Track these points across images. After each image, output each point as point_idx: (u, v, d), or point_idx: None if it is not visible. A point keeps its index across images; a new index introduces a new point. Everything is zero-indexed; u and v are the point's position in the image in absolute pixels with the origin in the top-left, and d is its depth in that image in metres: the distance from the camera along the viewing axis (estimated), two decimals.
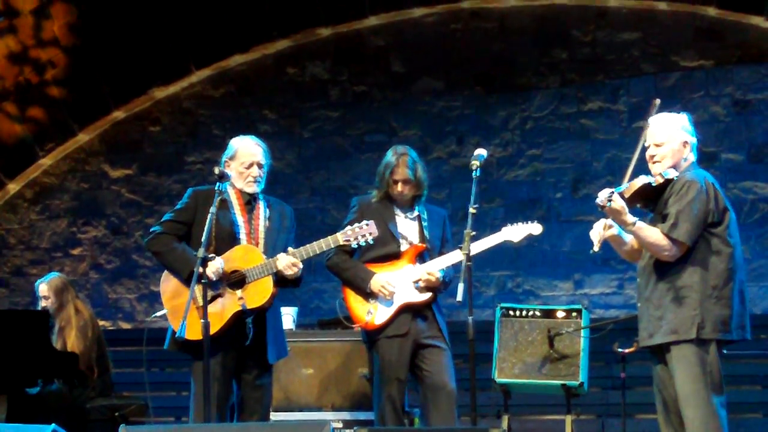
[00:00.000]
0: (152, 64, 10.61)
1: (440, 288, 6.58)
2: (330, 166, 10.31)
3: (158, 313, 6.48)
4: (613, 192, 5.48)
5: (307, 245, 6.09)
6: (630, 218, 5.54)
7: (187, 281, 5.95)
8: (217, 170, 6.03)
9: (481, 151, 6.18)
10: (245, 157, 6.22)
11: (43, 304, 8.19)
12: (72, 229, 10.90)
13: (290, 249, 6.05)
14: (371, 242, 6.16)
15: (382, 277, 6.49)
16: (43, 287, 8.24)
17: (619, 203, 5.48)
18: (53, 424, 6.39)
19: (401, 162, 6.57)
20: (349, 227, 6.13)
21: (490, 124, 9.99)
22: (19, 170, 10.96)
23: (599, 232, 5.67)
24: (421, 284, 6.50)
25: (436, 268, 6.49)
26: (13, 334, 7.57)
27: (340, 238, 6.11)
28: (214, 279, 5.91)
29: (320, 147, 10.37)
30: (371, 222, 6.12)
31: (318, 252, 6.12)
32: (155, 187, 10.70)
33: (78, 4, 10.67)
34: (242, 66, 10.63)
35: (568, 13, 9.87)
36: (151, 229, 6.26)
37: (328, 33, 10.39)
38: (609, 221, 5.65)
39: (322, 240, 6.12)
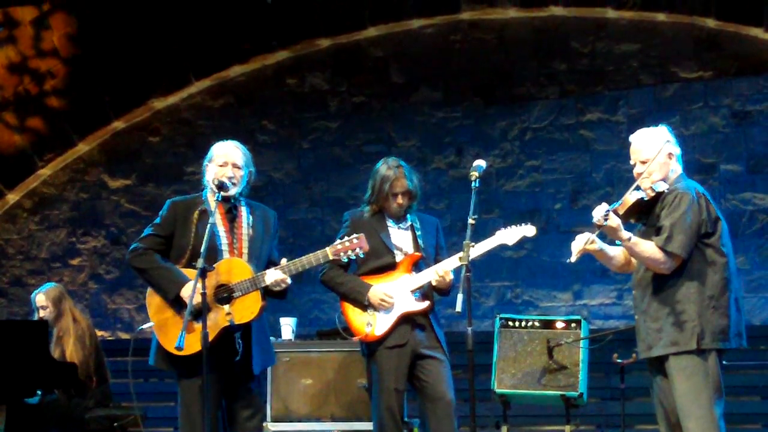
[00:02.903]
0: (152, 74, 10.63)
1: (448, 290, 6.57)
2: (329, 177, 10.32)
3: (145, 326, 6.39)
4: (608, 210, 5.47)
5: (296, 260, 5.96)
6: (625, 234, 5.55)
7: (172, 302, 5.88)
8: (216, 181, 5.98)
9: (480, 162, 6.17)
10: (219, 158, 6.07)
11: (40, 314, 8.17)
12: (71, 239, 10.91)
13: (284, 261, 5.96)
14: (362, 256, 6.10)
15: (379, 288, 6.49)
16: (40, 297, 8.23)
17: (615, 221, 5.49)
18: None
19: (400, 174, 6.57)
20: (338, 241, 6.04)
21: (489, 135, 10.00)
22: (19, 180, 10.97)
23: (579, 245, 5.68)
24: (434, 283, 6.50)
25: (448, 267, 6.47)
26: (12, 345, 7.56)
27: (330, 252, 6.00)
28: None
29: (319, 157, 10.38)
30: (361, 235, 6.03)
31: (307, 267, 6.00)
32: (154, 198, 10.69)
33: (78, 15, 10.70)
34: (242, 77, 10.64)
35: (567, 25, 9.89)
36: (133, 246, 6.12)
37: (327, 44, 10.41)
38: (592, 236, 5.65)
39: (311, 255, 6.00)
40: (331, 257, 6.03)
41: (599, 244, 5.74)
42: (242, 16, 10.35)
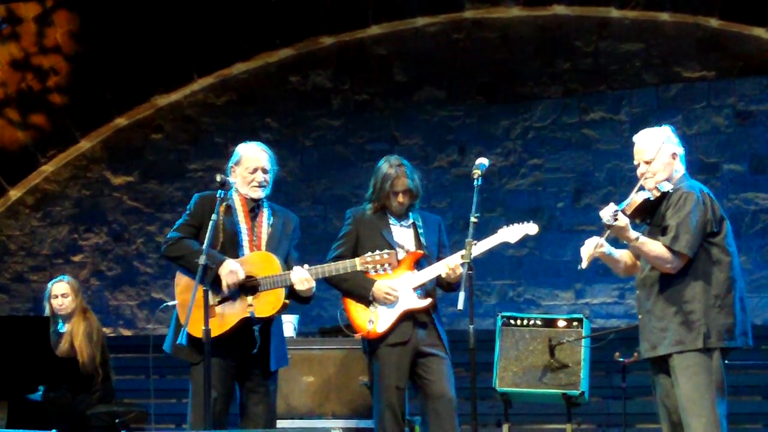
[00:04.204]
0: (154, 71, 10.63)
1: (457, 284, 6.56)
2: (332, 175, 10.32)
3: (169, 303, 6.49)
4: (617, 210, 5.46)
5: (324, 265, 6.10)
6: (633, 234, 5.56)
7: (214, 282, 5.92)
8: (219, 178, 6.00)
9: (483, 161, 6.18)
10: (249, 162, 6.20)
11: (58, 302, 8.15)
12: (73, 235, 10.91)
13: (306, 266, 6.03)
14: (390, 272, 6.17)
15: (383, 284, 6.49)
16: (62, 286, 8.20)
17: (623, 220, 5.49)
18: (54, 431, 6.39)
19: (401, 173, 6.58)
20: (369, 254, 6.10)
21: (491, 133, 10.00)
22: (21, 177, 10.97)
23: (589, 250, 5.68)
24: (444, 276, 6.47)
25: (457, 263, 6.46)
26: (14, 341, 7.57)
27: (359, 264, 6.09)
28: (230, 288, 5.90)
29: (322, 155, 10.39)
30: (393, 252, 6.10)
31: (334, 273, 6.14)
32: (157, 195, 10.71)
33: (81, 12, 10.70)
34: (244, 74, 10.64)
35: (570, 24, 9.89)
36: (168, 236, 6.21)
37: (330, 42, 10.41)
38: (601, 240, 5.65)
39: (339, 262, 6.14)
40: (359, 268, 6.12)
41: (608, 248, 5.74)
42: (245, 14, 10.35)
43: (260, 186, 6.19)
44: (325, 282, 6.70)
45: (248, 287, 5.99)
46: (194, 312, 5.67)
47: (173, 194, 10.54)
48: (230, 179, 6.11)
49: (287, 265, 6.12)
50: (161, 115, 10.83)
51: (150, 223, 10.61)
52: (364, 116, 10.34)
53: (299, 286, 5.98)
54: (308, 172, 10.38)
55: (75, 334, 8.05)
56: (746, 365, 8.50)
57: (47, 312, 8.20)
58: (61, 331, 8.16)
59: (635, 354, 7.06)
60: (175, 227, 6.24)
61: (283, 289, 6.00)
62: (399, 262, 6.58)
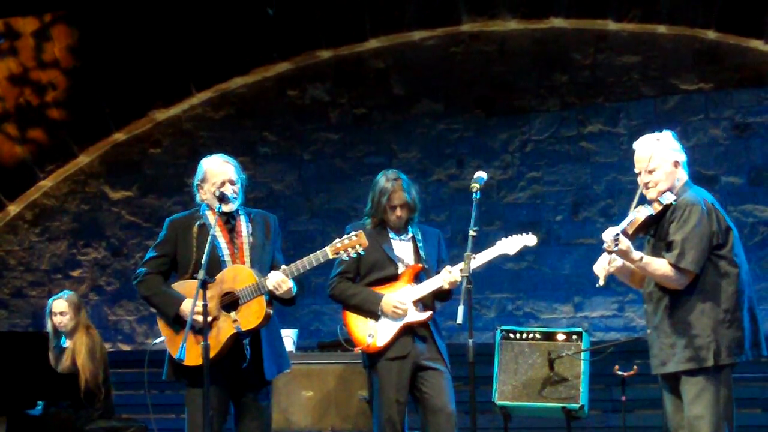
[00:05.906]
0: (153, 86, 10.64)
1: (450, 295, 6.56)
2: (330, 189, 10.32)
3: (158, 340, 6.46)
4: (618, 234, 5.35)
5: (297, 262, 5.98)
6: (636, 255, 5.45)
7: (174, 322, 5.95)
8: (217, 193, 5.99)
9: (481, 174, 6.19)
10: (216, 177, 6.11)
11: (57, 320, 8.15)
12: (72, 250, 10.91)
13: (283, 267, 6.00)
14: (362, 253, 6.08)
15: (392, 297, 6.50)
16: (60, 303, 8.20)
17: (625, 243, 5.38)
18: None
19: (397, 187, 6.59)
20: (338, 239, 6.04)
21: (490, 146, 10.00)
22: (20, 192, 10.97)
23: (605, 266, 5.60)
24: (447, 286, 6.47)
25: (456, 276, 6.46)
26: (13, 356, 7.56)
27: (329, 251, 6.00)
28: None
29: (320, 169, 10.38)
30: (360, 232, 6.02)
31: (308, 268, 6.00)
32: (155, 209, 10.70)
33: (79, 26, 10.71)
34: (243, 88, 10.65)
35: (567, 37, 9.89)
36: (138, 270, 6.21)
37: (328, 55, 10.42)
38: (612, 255, 5.57)
39: (311, 255, 6.01)
40: (331, 256, 6.04)
41: (620, 261, 5.63)
42: (243, 28, 10.36)
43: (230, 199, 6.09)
44: (332, 299, 6.71)
45: (230, 303, 5.94)
46: (185, 340, 5.66)
47: (172, 209, 10.52)
48: (199, 196, 6.13)
49: (274, 269, 6.04)
50: (159, 129, 10.84)
51: (149, 237, 10.59)
52: (362, 130, 10.34)
53: (277, 291, 5.92)
54: (306, 186, 10.38)
55: (78, 351, 8.04)
56: (746, 378, 8.48)
57: (49, 328, 8.20)
58: (63, 346, 8.16)
59: (635, 367, 7.07)
60: (144, 260, 6.23)
61: (264, 298, 5.94)
62: (399, 276, 6.60)
